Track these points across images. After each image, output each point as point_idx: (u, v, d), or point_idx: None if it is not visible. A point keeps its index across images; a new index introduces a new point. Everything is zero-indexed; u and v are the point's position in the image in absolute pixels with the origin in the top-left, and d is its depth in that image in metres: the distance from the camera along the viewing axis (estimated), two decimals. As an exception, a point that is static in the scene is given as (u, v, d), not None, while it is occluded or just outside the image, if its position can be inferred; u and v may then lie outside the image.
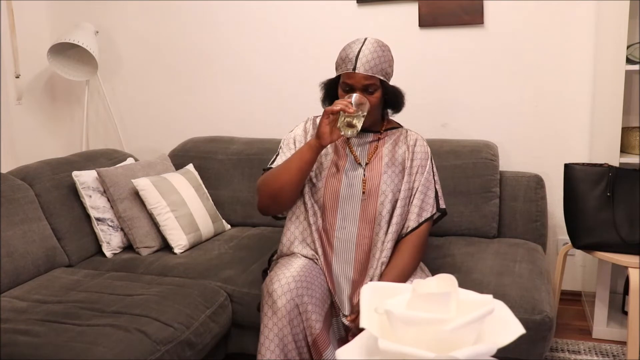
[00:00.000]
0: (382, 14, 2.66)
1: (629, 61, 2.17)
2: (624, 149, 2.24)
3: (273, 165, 1.78)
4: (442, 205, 1.78)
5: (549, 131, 2.56)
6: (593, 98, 2.47)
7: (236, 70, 2.94)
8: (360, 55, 1.64)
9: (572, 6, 2.43)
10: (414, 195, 1.73)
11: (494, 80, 2.59)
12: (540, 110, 2.56)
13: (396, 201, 1.71)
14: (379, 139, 1.79)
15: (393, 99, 1.75)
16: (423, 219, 1.72)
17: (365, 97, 1.63)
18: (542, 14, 2.47)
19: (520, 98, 2.57)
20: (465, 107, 2.64)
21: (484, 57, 2.58)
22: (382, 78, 1.66)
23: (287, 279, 1.55)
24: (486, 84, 2.60)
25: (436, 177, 1.79)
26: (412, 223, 1.72)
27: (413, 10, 2.61)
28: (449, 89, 2.64)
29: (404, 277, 1.64)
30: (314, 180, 1.75)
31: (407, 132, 1.82)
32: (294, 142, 1.80)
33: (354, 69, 1.64)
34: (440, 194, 1.78)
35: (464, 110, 2.64)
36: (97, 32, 3.00)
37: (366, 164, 1.75)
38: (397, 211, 1.70)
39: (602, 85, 2.36)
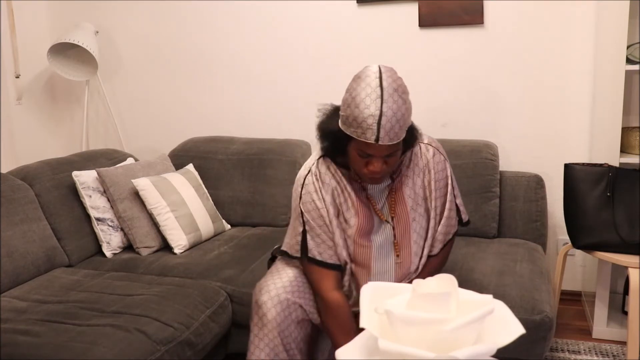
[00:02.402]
0: (382, 14, 2.66)
1: (629, 61, 2.17)
2: (624, 149, 2.24)
3: (312, 254, 1.54)
4: (465, 218, 1.66)
5: (549, 131, 2.56)
6: (593, 98, 2.47)
7: (236, 70, 2.94)
8: (382, 122, 1.32)
9: (572, 6, 2.43)
10: (439, 222, 1.60)
11: (494, 80, 2.58)
12: (540, 110, 2.56)
13: (424, 239, 1.61)
14: (394, 179, 1.58)
15: (409, 137, 1.48)
16: (445, 243, 1.62)
17: (385, 162, 1.42)
18: (542, 14, 2.47)
19: (520, 98, 2.57)
20: (465, 107, 2.64)
21: (484, 57, 2.58)
22: (402, 137, 1.40)
23: (277, 290, 1.52)
24: (486, 84, 2.60)
25: (456, 192, 1.63)
26: (435, 250, 1.61)
27: (413, 10, 2.61)
28: (449, 89, 2.64)
29: None
30: (345, 243, 1.57)
31: (420, 148, 1.59)
32: (318, 215, 1.54)
33: (377, 139, 1.34)
34: (462, 208, 1.65)
35: (464, 110, 2.64)
36: (97, 32, 3.00)
37: (392, 217, 1.57)
38: (425, 250, 1.60)
39: (602, 85, 2.36)
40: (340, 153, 1.51)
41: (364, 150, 1.38)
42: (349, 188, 1.56)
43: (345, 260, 1.57)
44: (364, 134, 1.34)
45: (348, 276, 1.60)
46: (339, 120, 1.43)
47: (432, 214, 1.59)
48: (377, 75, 1.35)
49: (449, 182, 1.61)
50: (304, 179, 1.56)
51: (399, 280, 1.61)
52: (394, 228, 1.58)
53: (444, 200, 1.60)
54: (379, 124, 1.32)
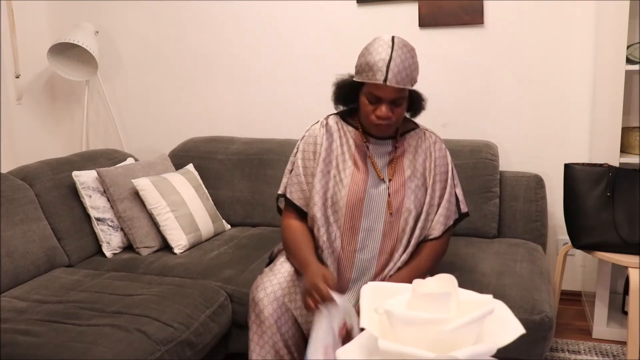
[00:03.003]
0: (382, 14, 2.66)
1: (629, 61, 2.17)
2: (624, 149, 2.24)
3: (287, 192, 1.68)
4: (464, 209, 1.73)
5: (549, 131, 2.56)
6: (593, 98, 2.47)
7: (236, 71, 2.94)
8: (391, 65, 1.48)
9: (572, 6, 2.43)
10: (439, 204, 1.67)
11: (494, 80, 2.58)
12: (540, 110, 2.56)
13: (419, 215, 1.64)
14: (396, 148, 1.68)
15: (415, 103, 1.66)
16: (446, 227, 1.67)
17: (391, 110, 1.55)
18: (542, 14, 2.47)
19: (520, 98, 2.57)
20: (465, 107, 2.64)
21: (484, 57, 2.58)
22: (411, 88, 1.57)
23: (273, 287, 1.53)
24: (486, 84, 2.60)
25: (456, 181, 1.73)
26: (435, 232, 1.66)
27: (413, 10, 2.61)
28: (449, 89, 2.64)
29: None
30: (336, 197, 1.62)
31: (424, 133, 1.74)
32: (309, 157, 1.68)
33: (385, 80, 1.48)
34: (461, 197, 1.73)
35: (464, 110, 2.64)
36: (97, 32, 3.00)
37: (389, 179, 1.65)
38: (419, 224, 1.63)
39: (602, 85, 2.36)
40: (351, 112, 1.69)
41: (373, 93, 1.53)
42: (351, 142, 1.69)
43: (314, 214, 1.61)
44: (374, 76, 1.49)
45: (324, 228, 1.60)
46: (354, 74, 1.60)
47: (429, 191, 1.66)
48: (391, 36, 1.55)
49: (449, 169, 1.70)
50: (312, 126, 1.73)
51: (386, 243, 1.62)
52: (389, 188, 1.63)
53: (444, 186, 1.68)
54: (387, 66, 1.48)
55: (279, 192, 1.73)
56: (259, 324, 1.51)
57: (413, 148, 1.69)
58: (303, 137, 1.72)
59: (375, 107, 1.55)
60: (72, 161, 2.44)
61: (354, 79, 1.59)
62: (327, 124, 1.70)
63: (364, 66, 1.52)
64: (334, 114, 1.74)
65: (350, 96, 1.64)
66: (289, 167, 1.72)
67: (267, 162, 2.61)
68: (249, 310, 1.56)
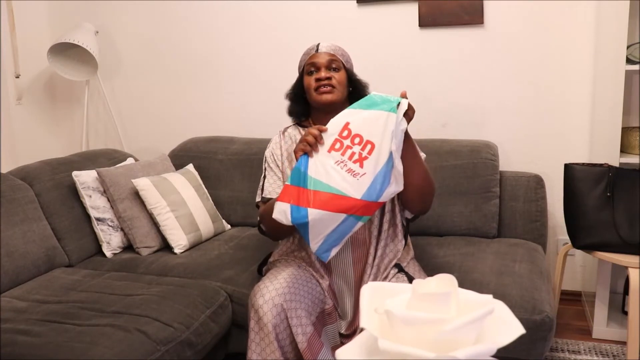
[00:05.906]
0: (382, 14, 2.66)
1: (629, 61, 2.17)
2: (624, 149, 2.24)
3: (264, 194, 1.76)
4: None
5: (549, 131, 2.56)
6: (593, 98, 2.47)
7: (236, 71, 2.94)
8: (321, 43, 1.79)
9: (572, 6, 2.43)
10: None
11: (494, 80, 2.58)
12: (540, 110, 2.56)
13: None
14: None
15: (358, 89, 1.80)
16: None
17: (329, 74, 1.72)
18: (542, 14, 2.47)
19: (520, 98, 2.57)
20: (465, 107, 2.64)
21: (484, 57, 2.58)
22: (342, 60, 1.76)
23: (270, 293, 1.54)
24: (486, 84, 2.60)
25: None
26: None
27: (413, 10, 2.61)
28: (449, 89, 2.64)
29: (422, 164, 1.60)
30: None
31: None
32: (274, 159, 1.81)
33: (317, 50, 1.76)
34: None
35: (464, 110, 2.64)
36: (97, 32, 3.00)
37: None
38: (386, 217, 1.70)
39: (602, 85, 2.36)
40: (303, 104, 1.83)
41: (310, 62, 1.75)
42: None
43: None
44: (308, 55, 1.78)
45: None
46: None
47: None
48: None
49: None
50: (275, 137, 1.88)
51: (358, 248, 1.69)
52: None
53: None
54: (318, 45, 1.78)
55: (257, 200, 1.80)
56: (257, 330, 1.51)
57: None
58: (268, 147, 1.85)
59: (317, 76, 1.72)
60: (72, 161, 2.44)
61: (298, 74, 1.82)
62: (283, 132, 1.86)
63: (302, 58, 1.81)
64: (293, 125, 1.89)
65: (298, 90, 1.81)
66: (261, 179, 1.81)
67: (267, 162, 2.61)
68: (249, 316, 1.56)
